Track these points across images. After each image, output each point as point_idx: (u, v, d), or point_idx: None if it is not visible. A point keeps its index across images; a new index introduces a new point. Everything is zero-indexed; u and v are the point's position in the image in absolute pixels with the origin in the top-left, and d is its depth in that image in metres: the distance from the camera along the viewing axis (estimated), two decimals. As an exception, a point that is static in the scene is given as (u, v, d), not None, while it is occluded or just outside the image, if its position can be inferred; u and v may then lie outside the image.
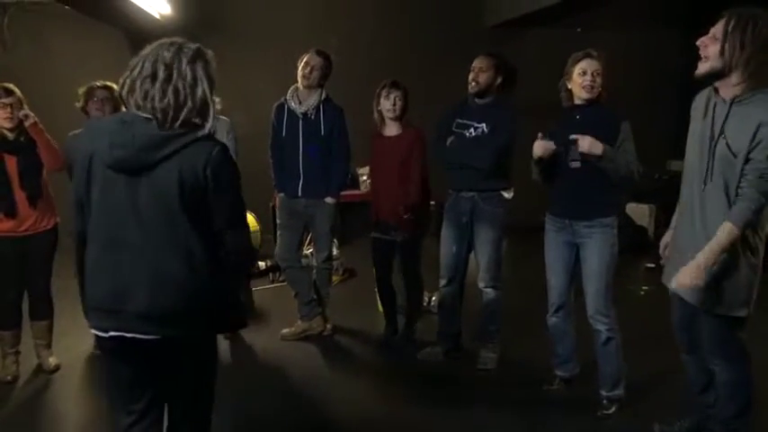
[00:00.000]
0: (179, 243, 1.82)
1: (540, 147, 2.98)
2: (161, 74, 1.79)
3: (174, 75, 1.80)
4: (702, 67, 2.30)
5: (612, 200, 3.04)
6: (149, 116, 1.80)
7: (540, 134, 3.01)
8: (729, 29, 2.20)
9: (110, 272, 1.84)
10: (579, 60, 2.94)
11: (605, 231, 2.96)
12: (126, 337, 1.85)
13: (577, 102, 2.98)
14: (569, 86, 3.00)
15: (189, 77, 1.81)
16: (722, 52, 2.21)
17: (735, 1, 2.29)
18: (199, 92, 1.82)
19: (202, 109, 1.84)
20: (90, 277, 1.89)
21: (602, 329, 3.02)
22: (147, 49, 1.85)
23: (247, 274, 4.22)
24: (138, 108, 1.81)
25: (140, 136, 1.77)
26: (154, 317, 1.83)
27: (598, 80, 2.91)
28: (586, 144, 2.82)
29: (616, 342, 3.04)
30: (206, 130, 1.85)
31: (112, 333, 1.86)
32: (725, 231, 2.22)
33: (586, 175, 2.88)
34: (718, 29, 2.25)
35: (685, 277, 2.28)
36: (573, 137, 2.85)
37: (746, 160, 2.20)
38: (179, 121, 1.81)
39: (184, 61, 1.81)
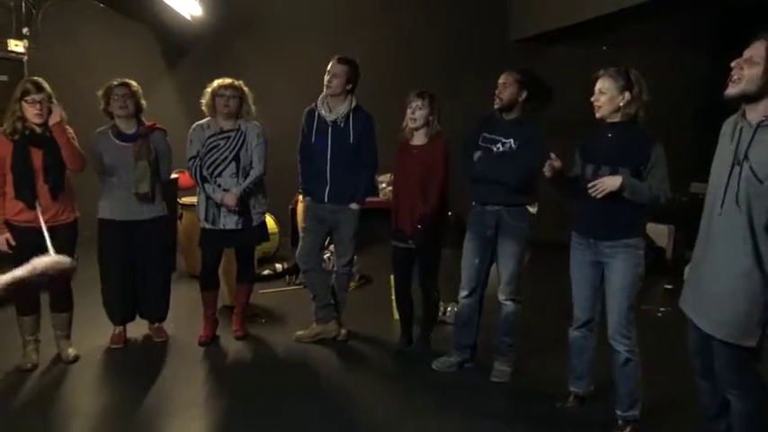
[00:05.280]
0: None
1: (547, 168, 2.98)
2: None
3: None
4: (733, 89, 2.24)
5: (637, 221, 2.98)
6: None
7: (552, 155, 3.01)
8: None
9: None
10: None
11: (628, 252, 2.92)
12: None
13: (610, 120, 2.95)
14: None
15: None
16: (763, 76, 2.15)
17: (763, 24, 2.27)
18: None
19: None
20: None
21: (621, 350, 2.99)
22: None
23: None
24: None
25: None
26: None
27: (601, 98, 2.90)
28: (602, 189, 2.81)
29: (634, 363, 3.00)
30: None
31: None
32: None
33: (610, 196, 2.83)
34: (757, 52, 2.17)
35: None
36: (590, 189, 2.86)
37: None
38: None
39: None
